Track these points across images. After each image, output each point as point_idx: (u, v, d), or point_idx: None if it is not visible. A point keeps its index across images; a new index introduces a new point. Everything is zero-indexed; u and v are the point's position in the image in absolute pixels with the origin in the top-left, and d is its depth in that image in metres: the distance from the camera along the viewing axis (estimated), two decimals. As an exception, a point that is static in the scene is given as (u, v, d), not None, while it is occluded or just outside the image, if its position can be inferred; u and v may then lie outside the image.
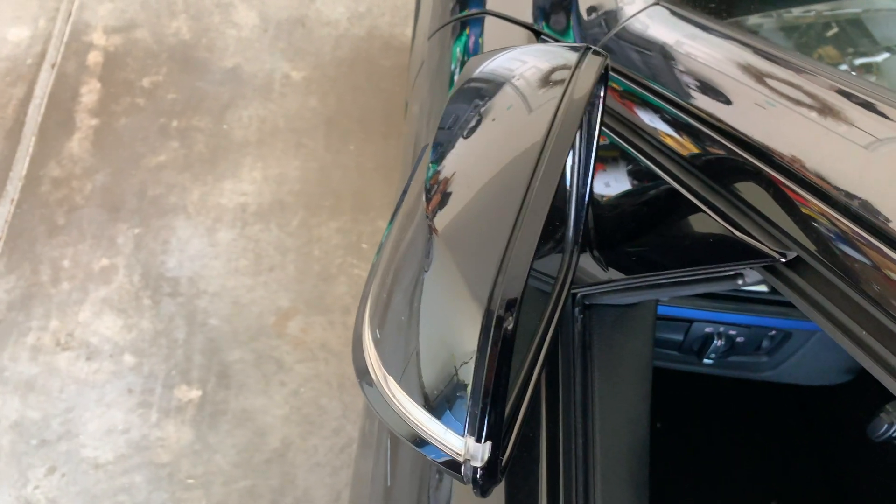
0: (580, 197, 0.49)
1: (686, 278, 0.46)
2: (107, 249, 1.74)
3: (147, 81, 1.98)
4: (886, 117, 0.42)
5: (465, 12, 0.85)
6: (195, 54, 2.04)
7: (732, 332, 0.77)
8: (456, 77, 0.82)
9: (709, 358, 0.79)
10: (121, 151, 1.87)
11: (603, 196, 0.55)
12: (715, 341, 0.76)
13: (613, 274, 0.51)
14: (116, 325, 1.64)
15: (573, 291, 0.56)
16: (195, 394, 1.58)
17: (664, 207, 0.49)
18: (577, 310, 0.56)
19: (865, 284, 0.36)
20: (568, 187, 0.50)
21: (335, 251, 1.79)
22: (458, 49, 0.81)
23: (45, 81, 1.96)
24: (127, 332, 1.64)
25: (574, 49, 0.44)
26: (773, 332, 0.78)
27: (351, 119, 1.97)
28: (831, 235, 0.38)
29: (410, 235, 0.40)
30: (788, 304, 0.74)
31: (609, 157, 0.54)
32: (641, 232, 0.51)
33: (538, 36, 0.74)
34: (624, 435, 0.53)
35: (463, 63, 0.80)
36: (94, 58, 2.01)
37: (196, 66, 2.02)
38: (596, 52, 0.43)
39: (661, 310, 0.71)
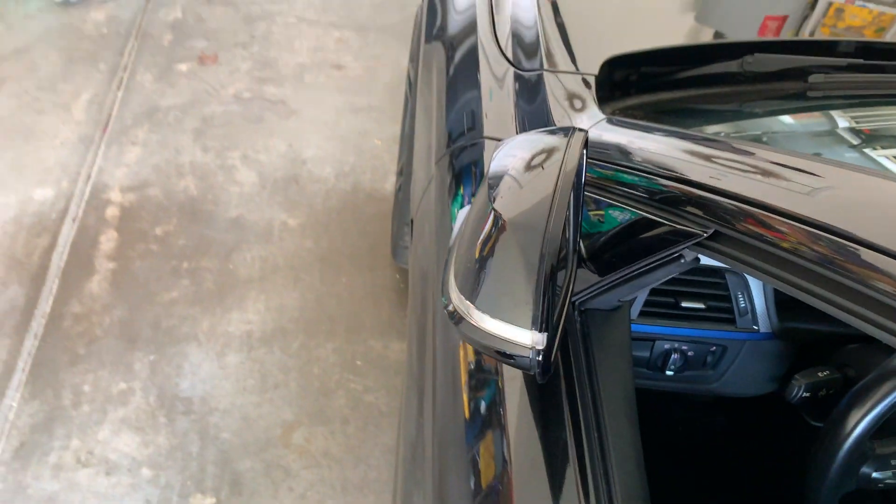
0: (574, 227, 0.77)
1: (645, 268, 0.73)
2: (124, 374, 1.91)
3: (159, 230, 2.25)
4: (746, 152, 0.73)
5: (466, 141, 1.18)
6: (202, 207, 2.33)
7: (685, 348, 1.03)
8: (467, 189, 1.12)
9: (670, 370, 1.04)
10: (136, 290, 2.09)
11: (588, 225, 0.83)
12: (673, 355, 1.02)
13: (597, 279, 0.78)
14: (134, 442, 1.78)
15: (572, 300, 0.82)
16: (210, 501, 1.70)
17: (625, 226, 0.77)
18: (576, 313, 0.82)
19: (761, 237, 0.64)
20: (569, 228, 0.78)
21: (333, 369, 1.99)
22: (468, 165, 1.12)
23: (67, 233, 2.21)
24: (144, 447, 1.77)
25: (564, 129, 0.74)
26: (714, 348, 1.04)
27: (342, 256, 2.25)
28: (730, 214, 0.66)
29: (482, 226, 0.67)
30: (724, 320, 1.02)
31: (589, 199, 0.84)
32: (611, 244, 0.79)
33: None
34: (618, 391, 0.77)
35: (475, 176, 1.10)
36: (111, 212, 2.28)
37: (203, 217, 2.31)
38: (579, 130, 0.73)
39: (632, 328, 0.97)
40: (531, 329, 0.61)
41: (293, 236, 2.29)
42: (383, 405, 1.95)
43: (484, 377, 0.87)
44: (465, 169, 1.15)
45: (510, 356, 0.63)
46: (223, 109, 2.67)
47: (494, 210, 0.66)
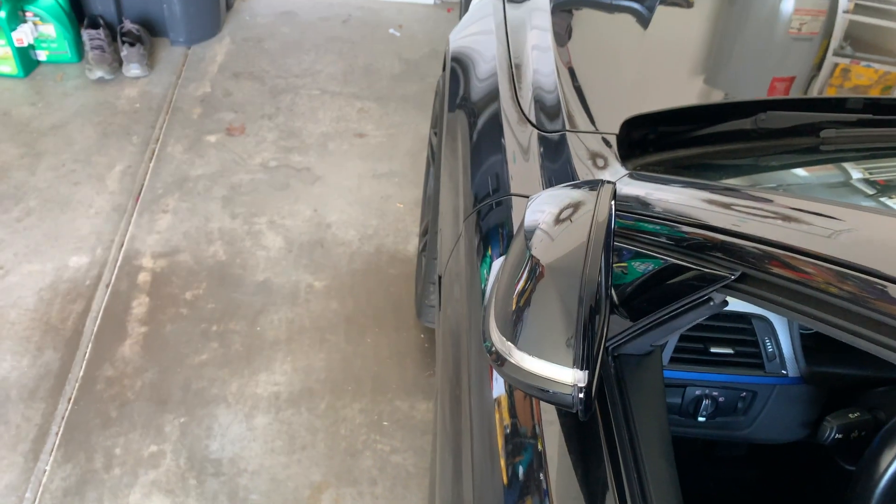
0: (606, 274, 0.81)
1: (676, 311, 0.76)
2: (155, 437, 1.93)
3: (189, 294, 2.31)
4: (765, 199, 0.77)
5: (493, 199, 1.23)
6: (230, 271, 2.40)
7: (715, 393, 1.04)
8: (495, 244, 1.17)
9: (702, 416, 1.05)
10: (167, 353, 2.14)
11: (619, 273, 0.87)
12: (704, 401, 1.04)
13: (630, 324, 0.82)
14: (164, 505, 1.79)
15: (606, 345, 0.85)
16: (239, 564, 1.69)
17: (654, 273, 0.81)
18: (610, 358, 0.85)
19: (786, 276, 0.67)
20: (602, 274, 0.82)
21: (359, 429, 2.01)
22: (496, 222, 1.17)
23: (100, 298, 2.27)
24: (174, 510, 1.78)
25: (591, 183, 0.79)
26: (744, 393, 1.06)
27: (367, 317, 2.29)
28: (754, 256, 0.70)
29: (520, 273, 0.71)
30: (753, 365, 1.04)
31: (618, 248, 0.88)
32: (642, 289, 0.82)
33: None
34: (655, 433, 0.80)
35: (503, 232, 1.15)
36: (143, 277, 2.35)
37: (231, 281, 2.37)
38: (608, 182, 0.77)
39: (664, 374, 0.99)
40: (573, 367, 0.64)
41: (319, 298, 2.34)
42: (410, 466, 1.95)
43: (521, 440, 0.88)
44: (493, 225, 1.20)
45: (553, 394, 0.66)
46: (250, 178, 2.77)
47: (533, 257, 0.71)
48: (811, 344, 1.07)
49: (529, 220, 0.77)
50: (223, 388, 2.06)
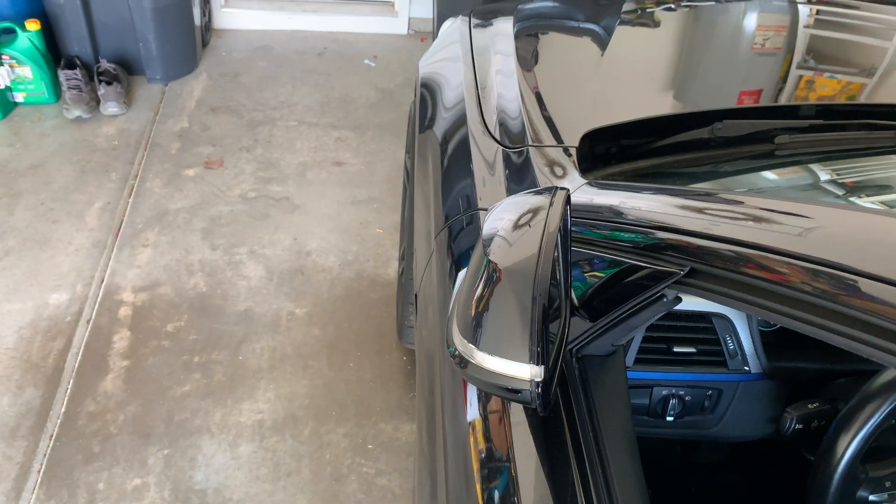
0: (564, 277, 0.84)
1: (632, 309, 0.79)
2: (139, 470, 1.92)
3: (171, 327, 2.31)
4: (708, 198, 0.81)
5: (462, 215, 1.26)
6: (212, 302, 2.41)
7: (682, 393, 1.07)
8: (466, 258, 1.19)
9: (670, 415, 1.07)
10: (149, 385, 2.13)
11: (578, 276, 0.90)
12: (671, 400, 1.06)
13: (590, 325, 0.84)
14: (149, 538, 1.77)
15: (569, 348, 0.88)
16: None
17: (610, 275, 0.84)
18: (573, 360, 0.88)
19: (731, 269, 0.70)
20: (558, 276, 0.85)
21: (344, 454, 2.01)
22: (466, 237, 1.20)
23: (81, 334, 2.27)
24: (159, 542, 1.77)
25: (548, 189, 0.82)
26: (710, 392, 1.08)
27: (349, 342, 2.30)
28: (701, 251, 0.73)
29: (479, 278, 0.74)
30: (716, 363, 1.07)
31: (577, 253, 0.91)
32: (600, 291, 0.85)
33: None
34: (618, 430, 0.82)
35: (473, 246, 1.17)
36: (124, 312, 2.35)
37: (213, 311, 2.38)
38: (561, 188, 0.81)
39: (629, 375, 1.02)
40: (529, 363, 0.67)
41: (301, 325, 2.35)
42: (396, 488, 1.95)
43: (496, 464, 0.90)
44: (463, 241, 1.23)
45: (512, 391, 0.68)
46: (230, 209, 2.79)
47: (490, 262, 0.74)
48: (771, 340, 1.10)
49: (488, 229, 0.80)
50: (206, 418, 2.06)
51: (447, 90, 1.68)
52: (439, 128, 1.58)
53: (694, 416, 1.11)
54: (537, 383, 0.66)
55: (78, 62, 3.24)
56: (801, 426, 0.98)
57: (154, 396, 2.11)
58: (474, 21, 1.92)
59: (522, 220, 0.79)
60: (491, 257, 0.74)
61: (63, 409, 2.06)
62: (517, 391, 0.68)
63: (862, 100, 1.54)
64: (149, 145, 3.09)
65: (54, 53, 3.29)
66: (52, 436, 1.99)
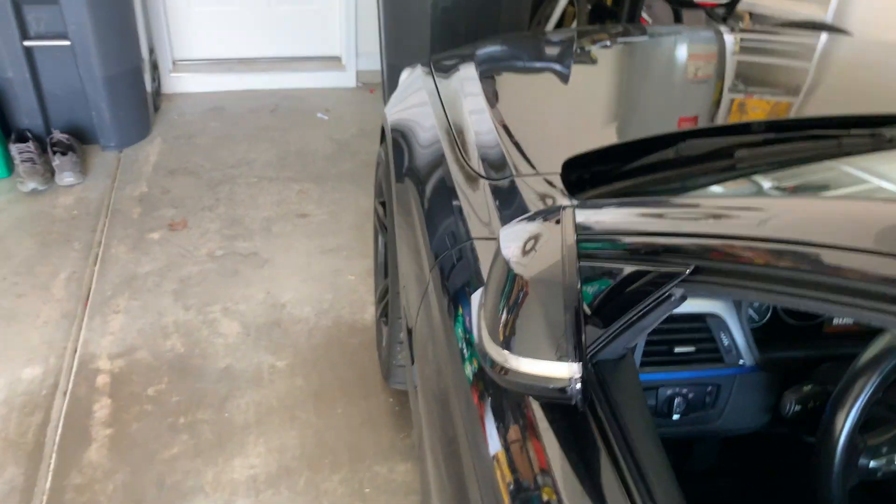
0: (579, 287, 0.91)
1: (642, 311, 0.86)
2: (134, 538, 1.88)
3: (152, 390, 2.29)
4: (693, 203, 0.90)
5: (457, 246, 1.33)
6: (191, 362, 2.39)
7: (685, 391, 1.14)
8: (465, 285, 1.25)
9: (675, 413, 1.15)
10: (136, 452, 2.10)
11: (587, 288, 0.97)
12: (676, 399, 1.14)
13: (603, 331, 0.91)
14: None
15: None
16: None
17: (618, 282, 0.91)
18: (590, 365, 0.94)
19: (732, 261, 0.78)
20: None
21: (342, 500, 2.01)
22: (464, 264, 1.26)
23: (59, 406, 2.22)
24: None
25: (555, 209, 0.89)
26: (710, 388, 1.16)
27: (334, 389, 2.32)
28: (702, 250, 0.81)
29: (503, 291, 0.80)
30: (714, 359, 1.15)
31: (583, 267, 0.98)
32: (610, 298, 0.92)
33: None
34: (641, 424, 0.88)
35: (472, 272, 1.23)
36: (102, 380, 2.31)
37: (193, 371, 2.36)
38: (566, 207, 0.88)
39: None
40: (567, 361, 0.73)
41: (283, 377, 2.36)
42: (397, 528, 1.96)
43: (528, 491, 0.92)
44: (461, 268, 1.29)
45: (558, 390, 0.74)
46: (199, 269, 2.79)
47: (516, 276, 0.80)
48: (761, 336, 1.19)
49: (507, 249, 0.86)
50: (199, 478, 2.04)
51: (420, 135, 1.76)
52: (417, 173, 1.65)
53: (697, 413, 1.18)
54: (577, 379, 0.73)
55: (30, 135, 3.23)
56: (799, 407, 1.06)
57: (142, 462, 2.07)
58: (435, 68, 2.02)
59: (540, 238, 0.86)
60: (516, 272, 0.80)
61: (48, 485, 2.00)
62: (562, 390, 0.73)
63: (793, 115, 1.68)
64: (109, 212, 3.08)
65: (4, 128, 3.26)
66: (38, 513, 1.93)
